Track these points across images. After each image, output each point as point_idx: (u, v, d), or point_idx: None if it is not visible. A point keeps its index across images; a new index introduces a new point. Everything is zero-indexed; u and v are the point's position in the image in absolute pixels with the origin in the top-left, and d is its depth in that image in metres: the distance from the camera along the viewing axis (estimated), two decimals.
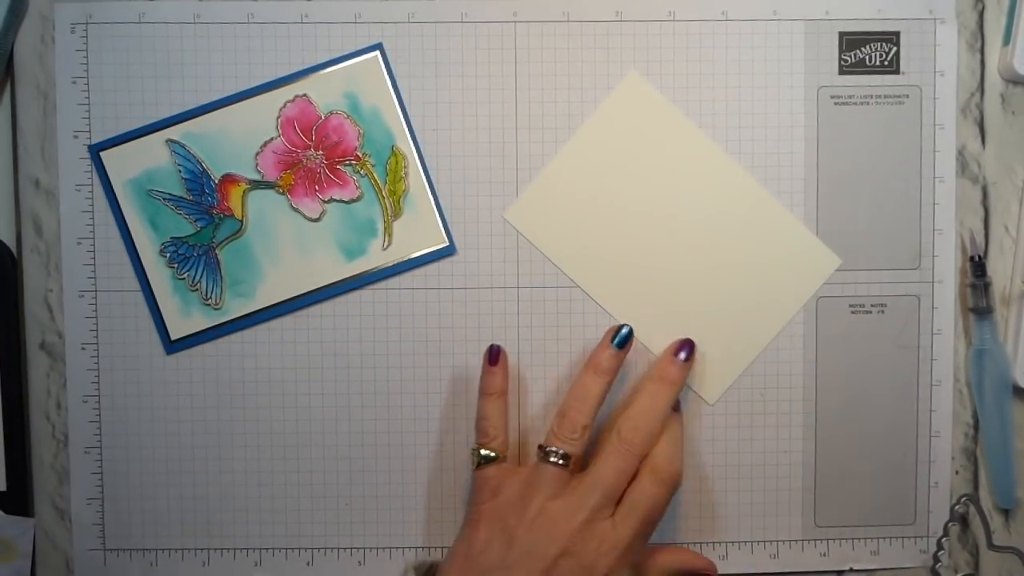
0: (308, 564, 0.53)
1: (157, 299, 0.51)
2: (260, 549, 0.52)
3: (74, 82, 0.51)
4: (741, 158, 0.52)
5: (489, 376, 0.50)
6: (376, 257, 0.52)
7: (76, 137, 0.51)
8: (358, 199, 0.51)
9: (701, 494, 0.53)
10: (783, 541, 0.53)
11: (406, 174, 0.51)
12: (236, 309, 0.52)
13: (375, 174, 0.51)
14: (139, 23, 0.51)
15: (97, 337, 0.52)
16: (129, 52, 0.51)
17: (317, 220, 0.51)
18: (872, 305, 0.52)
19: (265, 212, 0.51)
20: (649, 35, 0.52)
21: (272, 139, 0.51)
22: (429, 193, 0.52)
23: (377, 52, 0.51)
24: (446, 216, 0.52)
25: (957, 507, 0.53)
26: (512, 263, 0.52)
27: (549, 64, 0.52)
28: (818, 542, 0.53)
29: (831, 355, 0.52)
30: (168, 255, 0.51)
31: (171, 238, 0.51)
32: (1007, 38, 0.51)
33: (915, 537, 0.53)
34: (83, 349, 0.52)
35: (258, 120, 0.51)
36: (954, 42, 0.52)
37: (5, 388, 0.51)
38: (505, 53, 0.52)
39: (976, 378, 0.52)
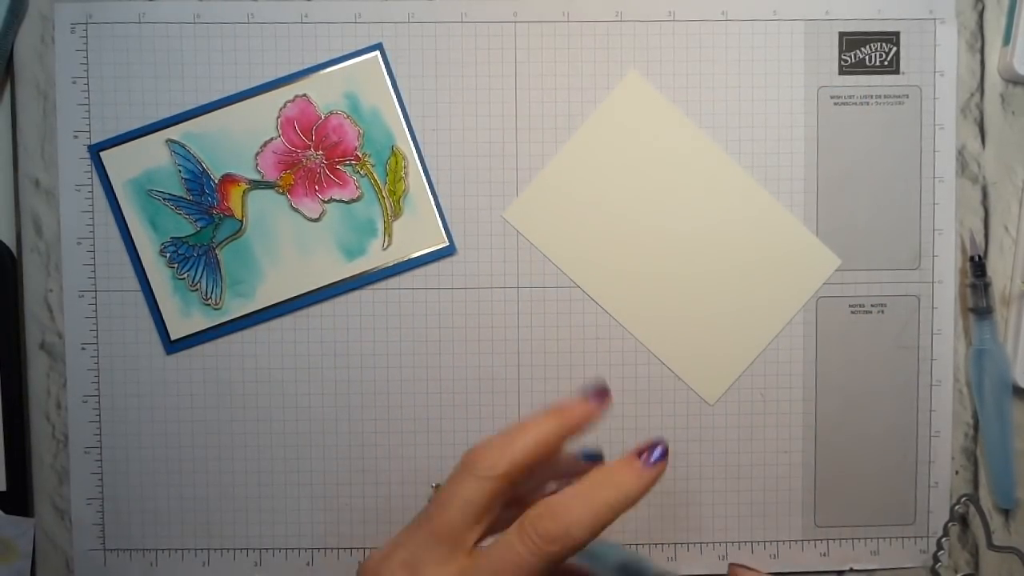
0: (308, 564, 0.52)
1: (157, 299, 0.51)
2: (260, 549, 0.52)
3: (74, 82, 0.51)
4: (741, 158, 0.52)
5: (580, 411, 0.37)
6: (376, 257, 0.52)
7: (76, 137, 0.51)
8: (358, 199, 0.51)
9: (701, 494, 0.53)
10: (783, 541, 0.53)
11: (406, 174, 0.51)
12: (236, 309, 0.52)
13: (375, 174, 0.51)
14: (139, 23, 0.51)
15: (97, 337, 0.52)
16: (129, 52, 0.51)
17: (317, 220, 0.51)
18: (872, 305, 0.52)
19: (265, 212, 0.51)
20: (649, 35, 0.52)
21: (272, 139, 0.51)
22: (429, 193, 0.52)
23: (377, 52, 0.51)
24: (446, 216, 0.52)
25: (957, 507, 0.53)
26: (512, 263, 0.52)
27: (549, 64, 0.52)
28: (818, 542, 0.53)
29: (831, 355, 0.52)
30: (168, 255, 0.51)
31: (171, 238, 0.51)
32: (1007, 38, 0.51)
33: (915, 537, 0.53)
34: (83, 349, 0.52)
35: (258, 120, 0.51)
36: (954, 42, 0.52)
37: (5, 388, 0.51)
38: (505, 53, 0.52)
39: (976, 378, 0.52)
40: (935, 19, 0.52)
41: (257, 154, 0.51)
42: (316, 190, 0.51)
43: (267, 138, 0.51)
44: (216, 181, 0.51)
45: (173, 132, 0.51)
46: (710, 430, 0.53)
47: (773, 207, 0.52)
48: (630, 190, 0.52)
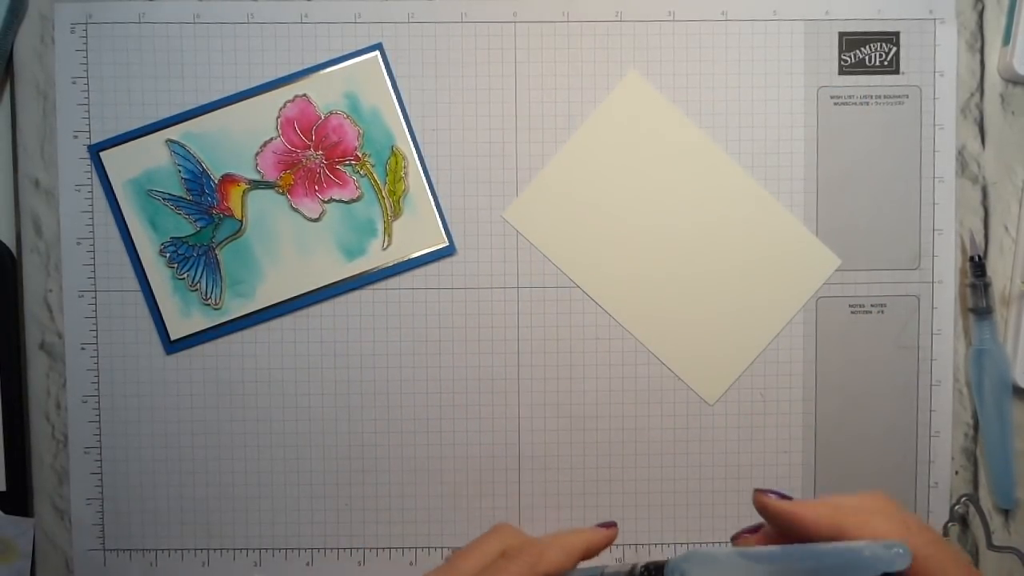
0: (308, 564, 0.52)
1: (157, 299, 0.51)
2: (260, 549, 0.52)
3: (74, 82, 0.51)
4: (741, 158, 0.52)
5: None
6: (376, 257, 0.52)
7: (76, 137, 0.51)
8: (358, 199, 0.51)
9: (701, 494, 0.53)
10: None
11: (406, 174, 0.51)
12: (236, 309, 0.52)
13: (375, 174, 0.51)
14: (139, 23, 0.51)
15: (97, 337, 0.52)
16: (129, 52, 0.51)
17: (317, 220, 0.51)
18: (872, 305, 0.52)
19: (265, 212, 0.51)
20: (649, 35, 0.52)
21: (272, 139, 0.51)
22: (429, 193, 0.52)
23: (377, 52, 0.51)
24: (446, 216, 0.52)
25: (957, 507, 0.53)
26: (512, 263, 0.52)
27: (549, 64, 0.52)
28: None
29: (831, 355, 0.52)
30: (168, 255, 0.51)
31: (171, 238, 0.51)
32: (1007, 38, 0.51)
33: None
34: (83, 349, 0.52)
35: (258, 120, 0.51)
36: (954, 42, 0.52)
37: (5, 388, 0.51)
38: (505, 53, 0.52)
39: (976, 378, 0.52)
40: (935, 19, 0.52)
41: (257, 154, 0.51)
42: (316, 190, 0.51)
43: (267, 138, 0.51)
44: (216, 181, 0.51)
45: (173, 132, 0.51)
46: (710, 430, 0.53)
47: (773, 207, 0.52)
48: (630, 190, 0.52)
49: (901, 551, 0.28)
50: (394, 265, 0.52)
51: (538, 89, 0.52)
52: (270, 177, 0.51)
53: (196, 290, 0.51)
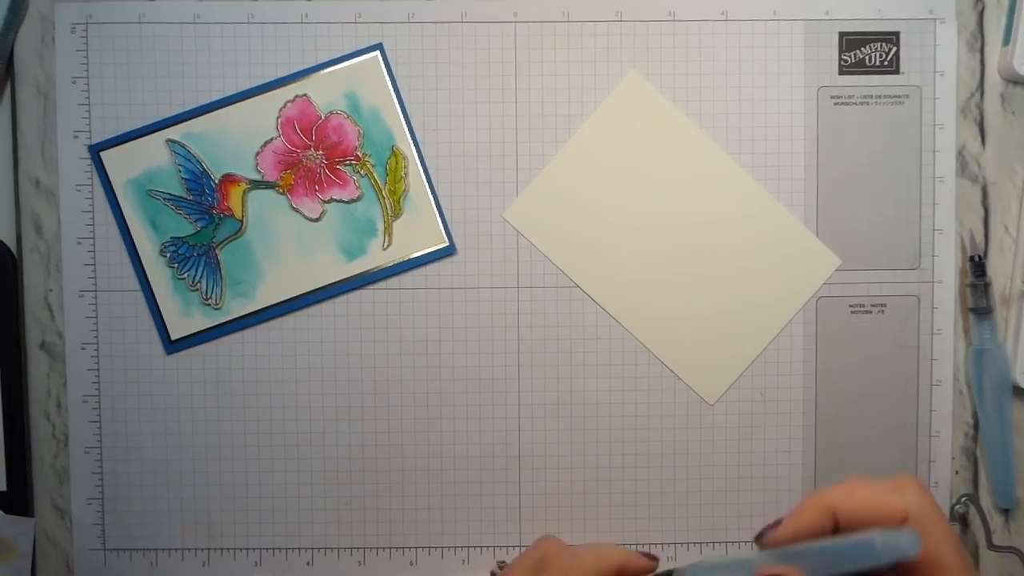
0: (308, 564, 0.53)
1: (157, 299, 0.51)
2: (260, 549, 0.52)
3: (74, 82, 0.51)
4: (741, 158, 0.52)
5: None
6: (376, 257, 0.52)
7: (76, 137, 0.51)
8: (358, 199, 0.51)
9: (701, 494, 0.53)
10: None
11: (406, 174, 0.51)
12: (236, 309, 0.52)
13: (375, 174, 0.51)
14: (139, 23, 0.51)
15: (97, 337, 0.52)
16: (129, 52, 0.51)
17: (317, 220, 0.51)
18: (872, 305, 0.52)
19: (265, 212, 0.51)
20: (649, 35, 0.52)
21: (272, 139, 0.51)
22: (429, 193, 0.52)
23: (377, 52, 0.51)
24: (446, 216, 0.52)
25: (957, 507, 0.53)
26: (512, 263, 0.52)
27: (549, 64, 0.52)
28: None
29: (831, 355, 0.52)
30: (168, 255, 0.51)
31: (171, 238, 0.51)
32: (1007, 38, 0.51)
33: None
34: (83, 349, 0.52)
35: (258, 120, 0.51)
36: (954, 42, 0.52)
37: (5, 388, 0.51)
38: (505, 53, 0.52)
39: (976, 378, 0.52)
40: (935, 19, 0.52)
41: (257, 154, 0.51)
42: (316, 190, 0.51)
43: (267, 138, 0.51)
44: (216, 181, 0.51)
45: (173, 132, 0.51)
46: (710, 430, 0.53)
47: (773, 207, 0.52)
48: (630, 190, 0.52)
49: (911, 539, 0.29)
50: (394, 265, 0.52)
51: (538, 89, 0.52)
52: (270, 177, 0.51)
53: (196, 290, 0.51)
